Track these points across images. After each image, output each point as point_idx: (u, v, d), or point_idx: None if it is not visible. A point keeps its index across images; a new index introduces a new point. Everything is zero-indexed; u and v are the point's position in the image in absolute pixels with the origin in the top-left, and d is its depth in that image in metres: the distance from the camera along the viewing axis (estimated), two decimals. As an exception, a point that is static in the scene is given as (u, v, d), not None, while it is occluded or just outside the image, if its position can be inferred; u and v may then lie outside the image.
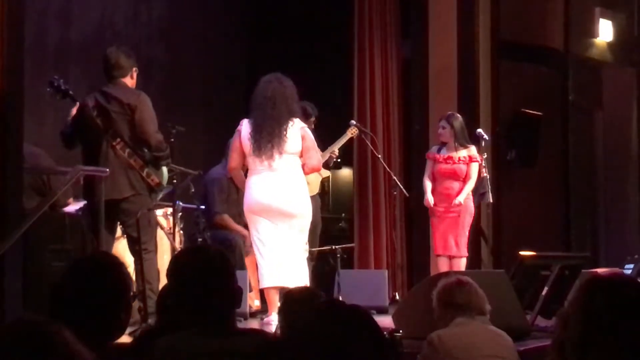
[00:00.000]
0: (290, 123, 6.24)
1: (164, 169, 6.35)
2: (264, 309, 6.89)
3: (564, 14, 9.84)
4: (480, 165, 7.69)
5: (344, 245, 8.49)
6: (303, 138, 6.28)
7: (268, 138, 6.19)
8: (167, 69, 9.62)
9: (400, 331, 5.20)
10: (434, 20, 9.13)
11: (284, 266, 6.21)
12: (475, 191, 7.74)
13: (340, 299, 6.81)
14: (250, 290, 7.15)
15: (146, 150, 6.16)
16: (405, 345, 4.82)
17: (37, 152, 6.41)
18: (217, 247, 3.07)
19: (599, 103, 11.15)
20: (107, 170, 5.91)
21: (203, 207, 7.77)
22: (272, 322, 5.96)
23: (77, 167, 5.93)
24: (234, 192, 7.53)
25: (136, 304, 5.73)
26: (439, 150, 7.79)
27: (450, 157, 7.71)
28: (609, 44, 10.69)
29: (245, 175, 6.40)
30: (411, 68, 9.51)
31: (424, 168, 7.91)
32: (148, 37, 9.52)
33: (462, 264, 7.61)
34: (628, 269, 6.85)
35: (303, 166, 6.32)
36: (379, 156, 8.54)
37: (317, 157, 6.46)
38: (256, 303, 7.33)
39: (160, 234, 6.66)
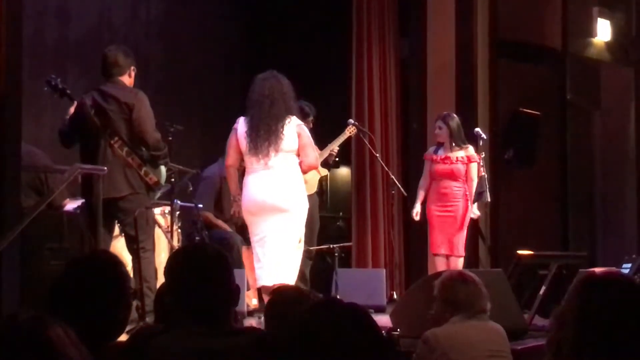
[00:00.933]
0: (287, 120, 6.21)
1: (162, 168, 6.35)
2: (261, 308, 6.89)
3: (562, 14, 9.83)
4: (478, 164, 7.70)
5: (341, 244, 8.49)
6: (299, 135, 6.24)
7: (265, 136, 6.16)
8: (165, 67, 9.61)
9: (398, 330, 5.21)
10: (432, 20, 9.13)
11: (282, 265, 6.20)
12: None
13: (338, 297, 6.81)
14: (248, 289, 7.16)
15: (144, 149, 6.16)
16: (403, 344, 4.84)
17: (35, 151, 6.42)
18: (214, 246, 3.06)
19: (597, 102, 11.16)
20: (105, 168, 5.89)
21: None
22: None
23: (75, 166, 5.92)
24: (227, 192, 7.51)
25: (134, 303, 5.72)
26: (435, 151, 7.79)
27: (447, 157, 7.71)
28: (607, 44, 10.69)
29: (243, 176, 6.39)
30: (409, 67, 9.51)
31: (422, 167, 7.91)
32: (146, 36, 9.52)
33: (459, 264, 7.60)
34: (626, 268, 6.85)
35: (300, 164, 6.30)
36: (377, 155, 8.53)
37: (314, 154, 6.42)
38: (254, 302, 7.33)
39: (158, 232, 6.66)
